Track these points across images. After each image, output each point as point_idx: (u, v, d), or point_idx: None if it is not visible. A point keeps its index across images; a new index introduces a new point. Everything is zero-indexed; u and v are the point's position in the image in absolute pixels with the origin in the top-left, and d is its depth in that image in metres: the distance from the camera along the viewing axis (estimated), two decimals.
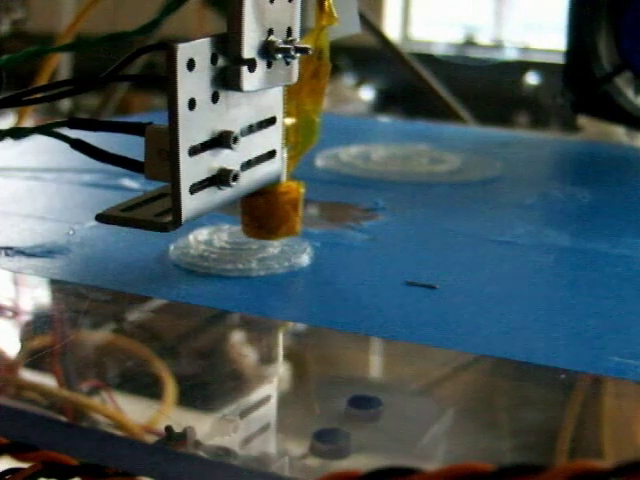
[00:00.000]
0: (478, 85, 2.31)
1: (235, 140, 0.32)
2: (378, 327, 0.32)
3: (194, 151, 0.31)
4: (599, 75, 0.64)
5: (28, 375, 0.29)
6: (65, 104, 2.19)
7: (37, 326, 0.34)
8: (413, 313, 0.33)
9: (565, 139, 0.77)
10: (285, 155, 0.37)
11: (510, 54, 2.67)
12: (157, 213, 0.33)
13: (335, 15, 0.36)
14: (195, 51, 0.30)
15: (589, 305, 0.34)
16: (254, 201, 0.37)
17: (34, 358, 0.30)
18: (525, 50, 2.68)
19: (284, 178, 0.37)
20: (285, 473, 0.23)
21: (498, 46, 2.75)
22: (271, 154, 0.35)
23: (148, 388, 0.28)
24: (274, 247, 0.38)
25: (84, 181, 0.51)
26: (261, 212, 0.37)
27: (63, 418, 0.26)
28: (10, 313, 0.35)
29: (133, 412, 0.27)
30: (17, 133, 0.35)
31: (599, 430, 0.27)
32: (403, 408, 0.27)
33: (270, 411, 0.28)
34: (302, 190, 0.37)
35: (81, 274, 0.36)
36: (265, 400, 0.28)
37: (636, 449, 0.26)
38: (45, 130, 0.34)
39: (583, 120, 0.74)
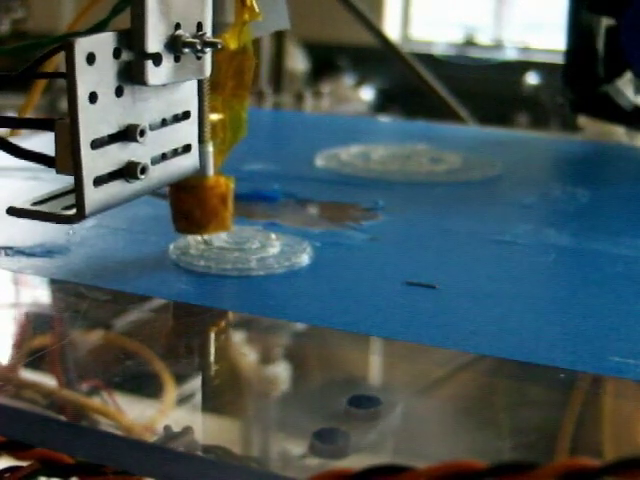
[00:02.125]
0: (478, 85, 2.31)
1: (142, 133, 0.32)
2: (378, 327, 0.32)
3: (98, 144, 0.31)
4: (599, 75, 0.64)
5: (28, 375, 0.29)
6: (65, 104, 2.19)
7: (37, 326, 0.34)
8: (413, 313, 0.33)
9: (565, 139, 0.77)
10: (211, 149, 0.37)
11: (510, 54, 2.68)
12: (65, 206, 0.32)
13: (257, 10, 0.36)
14: (95, 45, 0.30)
15: (589, 305, 0.34)
16: (182, 196, 0.37)
17: (34, 358, 0.30)
18: (525, 50, 2.68)
19: (212, 172, 0.37)
20: (285, 473, 0.23)
21: (498, 46, 2.75)
22: (186, 148, 0.35)
23: (148, 388, 0.28)
24: (274, 247, 0.38)
25: None
26: (188, 207, 0.37)
27: (63, 418, 0.26)
28: (10, 313, 0.35)
29: (133, 412, 0.27)
30: None
31: (599, 430, 0.27)
32: (403, 408, 0.27)
33: (270, 411, 0.28)
34: (232, 185, 0.37)
35: (81, 274, 0.36)
36: (265, 400, 0.28)
37: (635, 448, 0.26)
38: None
39: (583, 120, 0.74)
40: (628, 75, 0.64)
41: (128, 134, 0.32)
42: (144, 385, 0.28)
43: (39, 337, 0.33)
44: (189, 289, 0.35)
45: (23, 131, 0.62)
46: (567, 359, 0.29)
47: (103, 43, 0.30)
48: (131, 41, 0.31)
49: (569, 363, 0.29)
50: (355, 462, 0.24)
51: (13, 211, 0.33)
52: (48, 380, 0.29)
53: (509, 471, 0.19)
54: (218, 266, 0.36)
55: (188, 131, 0.35)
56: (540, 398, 0.28)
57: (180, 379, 0.29)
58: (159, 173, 0.34)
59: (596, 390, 0.29)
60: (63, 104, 2.18)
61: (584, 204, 0.50)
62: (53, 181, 0.51)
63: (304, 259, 0.38)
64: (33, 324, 0.34)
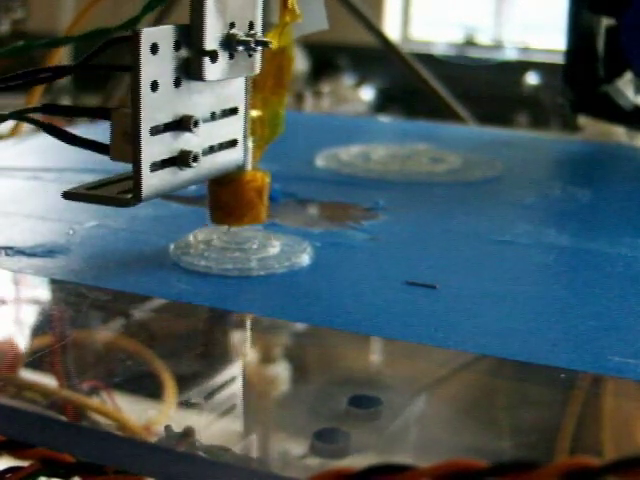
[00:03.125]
0: (478, 85, 2.31)
1: (195, 124, 0.33)
2: (378, 327, 0.32)
3: (156, 131, 0.32)
4: (599, 75, 0.64)
5: (28, 375, 0.29)
6: (64, 104, 2.19)
7: (37, 326, 0.34)
8: (413, 313, 0.33)
9: (565, 139, 0.77)
10: (250, 145, 0.38)
11: (510, 54, 2.67)
12: (120, 191, 0.34)
13: (298, 12, 0.37)
14: (159, 36, 0.31)
15: (589, 305, 0.34)
16: (220, 189, 0.38)
17: (34, 358, 0.30)
18: (525, 50, 2.68)
19: (249, 167, 0.38)
20: (285, 473, 0.23)
21: (498, 46, 2.75)
22: (233, 143, 0.37)
23: (148, 388, 0.28)
24: (274, 247, 0.38)
25: (84, 181, 0.51)
26: (227, 199, 0.38)
27: (63, 417, 0.26)
28: (10, 313, 0.35)
29: (133, 412, 0.27)
30: None
31: (599, 429, 0.27)
32: (403, 408, 0.27)
33: (270, 411, 0.28)
34: (267, 179, 0.38)
35: (81, 274, 0.36)
36: (265, 400, 0.28)
37: (636, 448, 0.26)
38: (19, 115, 0.36)
39: (583, 120, 0.74)
40: (628, 75, 0.64)
41: (182, 124, 0.33)
42: (144, 385, 0.28)
43: (39, 337, 0.33)
44: (189, 289, 0.35)
45: (25, 130, 0.62)
46: (567, 359, 0.29)
47: (166, 35, 0.32)
48: (190, 38, 0.33)
49: (569, 363, 0.29)
50: (355, 462, 0.24)
51: (69, 195, 0.34)
52: (48, 380, 0.29)
53: (511, 470, 0.19)
54: (218, 266, 0.36)
55: (235, 126, 0.37)
56: (540, 398, 0.28)
57: (180, 379, 0.29)
58: (207, 164, 0.35)
59: (596, 390, 0.29)
60: (63, 103, 2.18)
61: (584, 204, 0.50)
62: (54, 181, 0.51)
63: (304, 259, 0.38)
64: (33, 324, 0.34)
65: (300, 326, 0.33)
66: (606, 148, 0.69)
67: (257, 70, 0.36)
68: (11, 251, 0.39)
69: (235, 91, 0.36)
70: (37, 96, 0.60)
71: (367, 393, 0.27)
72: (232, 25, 0.34)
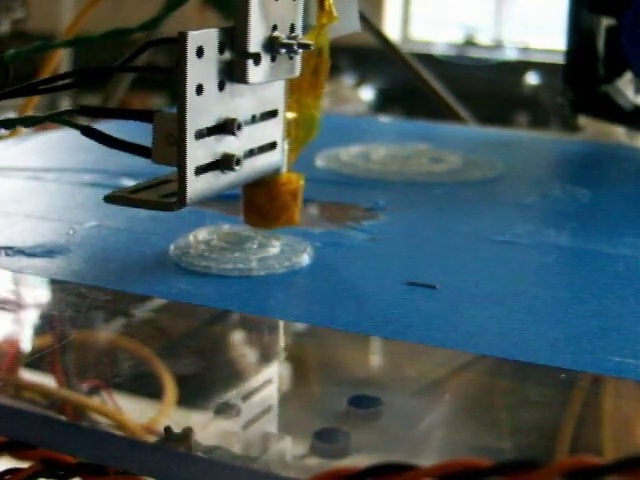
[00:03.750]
0: (478, 85, 2.31)
1: (239, 127, 0.33)
2: (378, 327, 0.32)
3: (200, 135, 0.32)
4: (599, 75, 0.64)
5: (28, 375, 0.29)
6: (65, 104, 2.19)
7: (37, 326, 0.34)
8: (413, 313, 0.33)
9: (565, 139, 0.77)
10: (286, 147, 0.38)
11: (510, 54, 2.67)
12: (163, 195, 0.34)
13: (335, 14, 0.37)
14: (204, 39, 0.31)
15: (589, 305, 0.34)
16: (256, 191, 0.38)
17: (34, 358, 0.30)
18: (525, 50, 2.68)
19: (285, 169, 0.38)
20: (285, 473, 0.23)
21: (498, 46, 2.75)
22: (272, 145, 0.37)
23: (148, 388, 0.28)
24: (274, 247, 0.38)
25: (84, 181, 0.51)
26: (262, 201, 0.38)
27: (63, 418, 0.26)
28: (10, 313, 0.35)
29: (133, 412, 0.27)
30: (28, 121, 0.36)
31: (599, 430, 0.27)
32: (403, 408, 0.27)
33: (270, 411, 0.28)
34: (302, 182, 0.38)
35: (81, 274, 0.36)
36: (265, 400, 0.28)
37: (636, 448, 0.26)
38: (56, 118, 0.35)
39: (583, 120, 0.74)
40: (628, 75, 0.64)
41: (226, 127, 0.33)
42: (144, 385, 0.28)
43: (39, 337, 0.33)
44: (189, 289, 0.35)
45: (24, 130, 0.62)
46: (567, 359, 0.29)
47: (211, 38, 0.32)
48: (233, 41, 0.33)
49: (569, 363, 0.29)
50: (356, 462, 0.24)
51: (111, 199, 0.34)
52: (48, 380, 0.29)
53: (513, 469, 0.19)
54: (218, 266, 0.36)
55: (274, 129, 0.37)
56: (540, 398, 0.28)
57: (180, 379, 0.29)
58: (248, 168, 0.35)
59: (596, 390, 0.29)
60: (63, 105, 2.18)
61: (584, 204, 0.50)
62: (54, 181, 0.51)
63: (304, 259, 0.38)
64: (33, 324, 0.34)
65: (300, 326, 0.33)
66: (606, 148, 0.69)
67: (297, 73, 0.36)
68: (11, 251, 0.39)
69: (275, 94, 0.36)
70: (35, 99, 0.60)
71: (367, 393, 0.27)
72: (274, 28, 0.34)
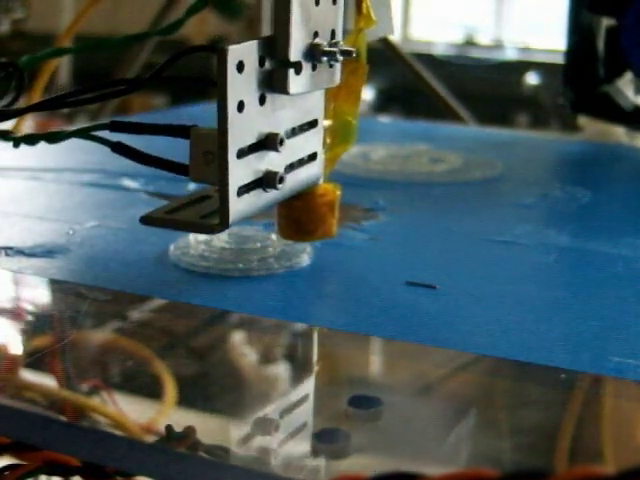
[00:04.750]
0: (478, 85, 2.31)
1: (281, 142, 0.32)
2: (378, 327, 0.32)
3: (242, 153, 0.31)
4: (599, 75, 0.64)
5: (28, 375, 0.29)
6: (134, 121, 2.18)
7: (37, 326, 0.34)
8: (413, 313, 0.33)
9: (565, 139, 0.77)
10: (323, 157, 0.37)
11: (510, 54, 2.67)
12: (202, 215, 0.32)
13: (373, 18, 0.36)
14: (244, 53, 0.30)
15: (589, 305, 0.34)
16: (292, 203, 0.36)
17: (34, 358, 0.30)
18: (525, 50, 2.68)
19: (321, 180, 0.37)
20: (285, 473, 0.23)
21: (498, 46, 2.75)
22: (312, 157, 0.36)
23: (148, 388, 0.28)
24: (274, 247, 0.38)
25: (83, 181, 0.51)
26: (298, 214, 0.37)
27: (63, 418, 0.26)
28: (10, 313, 0.35)
29: (133, 412, 0.27)
30: (53, 137, 0.35)
31: (599, 430, 0.27)
32: (403, 408, 0.27)
33: (270, 411, 0.28)
34: (338, 192, 0.37)
35: (81, 274, 0.36)
36: (265, 400, 0.28)
37: (636, 450, 0.26)
38: (84, 133, 0.34)
39: (583, 120, 0.74)
40: (628, 75, 0.64)
41: (268, 143, 0.32)
42: (144, 385, 0.28)
43: (39, 337, 0.33)
44: (189, 289, 0.35)
45: (24, 130, 0.62)
46: (567, 359, 0.29)
47: (251, 51, 0.30)
48: (273, 49, 0.31)
49: (569, 363, 0.29)
50: (356, 463, 0.24)
51: (148, 220, 0.33)
52: (48, 380, 0.29)
53: (521, 479, 0.19)
54: (218, 266, 0.36)
55: (314, 140, 0.35)
56: (540, 398, 0.28)
57: (180, 379, 0.29)
58: (290, 182, 0.34)
59: (596, 390, 0.29)
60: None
61: (584, 204, 0.50)
62: (53, 181, 0.51)
63: (304, 259, 0.38)
64: (33, 324, 0.34)
65: (300, 326, 0.33)
66: (606, 148, 0.69)
67: (337, 81, 0.34)
68: (11, 251, 0.39)
69: (315, 103, 0.35)
70: (37, 97, 0.60)
71: (367, 393, 0.27)
72: (316, 34, 0.32)
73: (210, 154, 0.31)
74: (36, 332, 0.33)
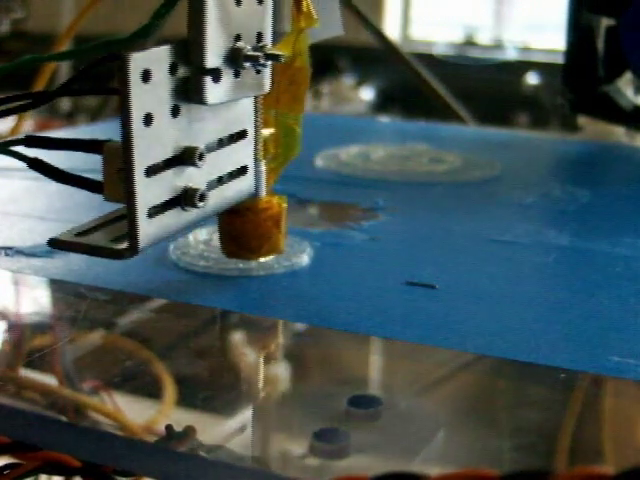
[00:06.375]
0: (478, 85, 2.31)
1: (200, 157, 0.30)
2: (378, 327, 0.32)
3: (153, 170, 0.28)
4: (599, 75, 0.64)
5: (28, 375, 0.29)
6: (66, 104, 2.19)
7: (37, 326, 0.34)
8: (413, 313, 0.33)
9: (565, 139, 0.77)
10: (264, 168, 0.34)
11: (510, 54, 2.67)
12: (114, 238, 0.30)
13: (314, 16, 0.34)
14: (151, 61, 0.27)
15: (589, 305, 0.34)
16: (231, 220, 0.34)
17: (34, 358, 0.30)
18: (525, 50, 2.68)
19: (264, 193, 0.34)
20: (285, 473, 0.23)
21: (498, 46, 2.75)
22: (242, 170, 0.33)
23: (148, 388, 0.28)
24: None
25: None
26: (239, 232, 0.35)
27: (63, 418, 0.26)
28: (10, 313, 0.35)
29: (133, 412, 0.27)
30: None
31: (599, 430, 0.27)
32: (403, 408, 0.27)
33: (270, 411, 0.28)
34: (284, 205, 0.35)
35: (81, 274, 0.36)
36: (265, 400, 0.28)
37: (636, 449, 0.26)
38: (1, 148, 0.32)
39: (583, 120, 0.74)
40: (628, 75, 0.64)
41: (185, 158, 0.29)
42: (144, 385, 0.28)
43: (39, 337, 0.33)
44: (189, 289, 0.35)
45: (25, 130, 0.62)
46: (567, 359, 0.29)
47: (159, 58, 0.28)
48: (188, 55, 0.28)
49: (569, 363, 0.29)
50: (356, 463, 0.24)
51: (56, 243, 0.30)
52: (48, 380, 0.29)
53: (521, 479, 0.19)
54: (218, 266, 0.36)
55: (244, 151, 0.33)
56: (540, 398, 0.28)
57: (180, 379, 0.29)
58: (215, 198, 0.31)
59: (596, 390, 0.29)
60: (63, 105, 2.18)
61: (584, 204, 0.50)
62: (53, 181, 0.51)
63: (304, 259, 0.38)
64: (33, 324, 0.34)
65: (300, 326, 0.33)
66: (606, 148, 0.69)
67: (267, 88, 0.32)
68: (10, 251, 0.39)
69: (243, 112, 0.32)
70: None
71: (367, 393, 0.27)
72: (237, 38, 0.30)
73: (124, 171, 0.28)
74: (36, 332, 0.33)
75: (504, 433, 0.26)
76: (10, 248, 0.39)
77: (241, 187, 0.33)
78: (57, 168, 0.31)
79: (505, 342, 0.31)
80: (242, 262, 0.37)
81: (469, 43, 2.78)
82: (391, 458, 0.25)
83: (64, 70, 2.18)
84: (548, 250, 0.41)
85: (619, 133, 0.72)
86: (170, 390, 0.28)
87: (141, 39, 0.29)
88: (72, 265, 0.37)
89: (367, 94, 2.69)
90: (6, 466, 0.27)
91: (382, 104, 2.59)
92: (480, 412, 0.28)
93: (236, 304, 0.34)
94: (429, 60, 1.36)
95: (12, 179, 0.52)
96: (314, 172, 0.55)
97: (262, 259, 0.36)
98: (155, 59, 0.27)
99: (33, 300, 0.36)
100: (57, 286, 0.36)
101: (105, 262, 0.37)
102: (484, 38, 2.81)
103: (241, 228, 0.35)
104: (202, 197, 0.30)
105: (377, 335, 0.31)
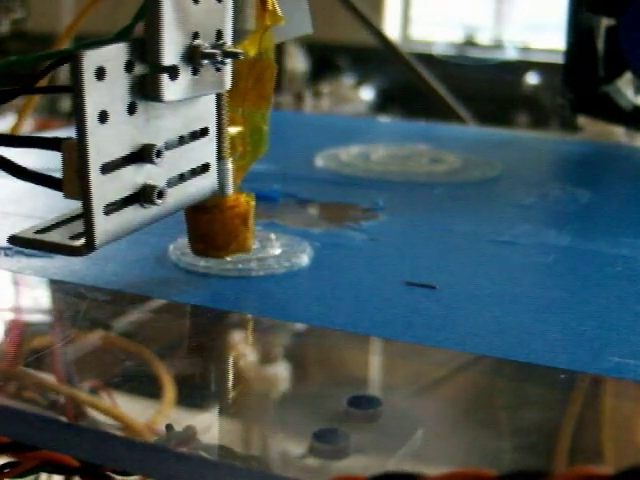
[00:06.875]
0: (478, 85, 2.31)
1: (159, 154, 0.30)
2: (378, 327, 0.32)
3: (110, 167, 0.28)
4: (599, 75, 0.64)
5: (28, 375, 0.29)
6: (66, 104, 2.19)
7: (37, 326, 0.34)
8: (413, 313, 0.33)
9: (565, 139, 0.77)
10: (230, 166, 0.34)
11: (510, 54, 2.68)
12: (72, 235, 0.30)
13: (280, 14, 0.34)
14: (105, 58, 0.27)
15: (589, 305, 0.34)
16: (199, 218, 0.34)
17: (34, 358, 0.30)
18: (525, 50, 2.68)
19: (231, 191, 0.34)
20: (285, 473, 0.23)
21: (498, 46, 2.75)
22: (205, 167, 0.33)
23: (148, 388, 0.28)
24: (274, 247, 0.38)
25: None
26: (206, 229, 0.34)
27: (63, 418, 0.26)
28: (10, 313, 0.35)
29: (133, 412, 0.27)
30: None
31: (599, 430, 0.27)
32: (403, 408, 0.27)
33: (270, 411, 0.28)
34: (252, 203, 0.35)
35: (81, 274, 0.36)
36: (265, 400, 0.28)
37: (636, 450, 0.26)
38: None
39: (583, 120, 0.74)
40: (628, 75, 0.64)
41: (143, 155, 0.29)
42: (144, 385, 0.28)
43: (39, 337, 0.33)
44: (189, 289, 0.35)
45: (24, 130, 0.62)
46: (567, 359, 0.29)
47: (114, 55, 0.28)
48: (144, 52, 0.29)
49: (569, 363, 0.29)
50: (355, 463, 0.24)
51: (15, 240, 0.30)
52: (48, 380, 0.29)
53: (521, 479, 0.19)
54: (218, 266, 0.36)
55: (206, 149, 0.33)
56: (540, 398, 0.28)
57: (180, 379, 0.29)
58: (176, 196, 0.32)
59: (596, 390, 0.29)
60: (64, 104, 2.18)
61: (584, 204, 0.50)
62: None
63: (304, 259, 0.38)
64: (33, 324, 0.34)
65: (300, 326, 0.33)
66: (606, 148, 0.69)
67: (227, 86, 0.32)
68: (11, 251, 0.39)
69: (204, 110, 0.32)
70: (37, 96, 0.60)
71: (367, 393, 0.27)
72: (195, 35, 0.30)
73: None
74: (36, 332, 0.33)
75: (504, 433, 0.26)
76: (10, 248, 0.39)
77: (204, 184, 0.33)
78: (18, 165, 0.31)
79: (504, 342, 0.31)
80: (242, 263, 0.37)
81: (469, 43, 2.78)
82: (390, 458, 0.25)
83: (64, 69, 2.18)
84: (548, 250, 0.41)
85: (619, 133, 0.72)
86: (170, 390, 0.28)
87: (123, 40, 0.29)
88: (72, 265, 0.37)
89: (367, 94, 2.69)
90: (6, 465, 0.27)
91: (382, 104, 2.59)
92: (480, 412, 0.28)
93: (236, 304, 0.34)
94: (429, 60, 1.36)
95: (13, 179, 0.52)
96: (314, 172, 0.55)
97: (229, 257, 0.36)
98: (110, 56, 0.27)
99: (33, 300, 0.36)
100: (57, 286, 0.36)
101: (105, 262, 0.37)
102: (484, 38, 2.81)
103: (208, 226, 0.35)
104: (160, 194, 0.30)
105: (377, 335, 0.31)
